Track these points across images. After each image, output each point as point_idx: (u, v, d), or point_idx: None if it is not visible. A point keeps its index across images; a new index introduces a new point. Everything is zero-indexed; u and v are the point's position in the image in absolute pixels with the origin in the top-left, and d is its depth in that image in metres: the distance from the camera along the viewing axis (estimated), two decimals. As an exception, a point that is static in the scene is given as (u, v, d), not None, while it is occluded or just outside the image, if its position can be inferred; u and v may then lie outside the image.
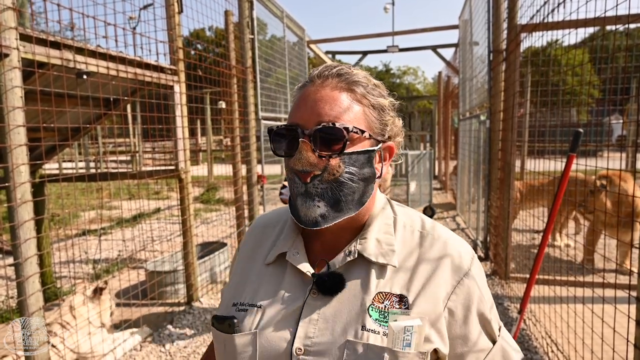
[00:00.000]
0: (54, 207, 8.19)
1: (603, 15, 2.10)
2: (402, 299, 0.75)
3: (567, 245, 5.30)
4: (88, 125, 3.89)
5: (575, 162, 2.27)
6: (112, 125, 4.88)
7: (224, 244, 4.62)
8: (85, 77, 2.57)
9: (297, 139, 0.75)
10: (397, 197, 8.10)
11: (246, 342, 0.76)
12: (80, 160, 13.76)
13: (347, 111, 0.75)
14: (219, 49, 4.21)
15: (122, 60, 2.78)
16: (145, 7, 3.55)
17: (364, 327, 0.72)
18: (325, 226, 0.76)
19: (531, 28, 3.30)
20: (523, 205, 5.23)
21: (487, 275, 4.41)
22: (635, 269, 4.00)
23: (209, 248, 4.53)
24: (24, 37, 2.08)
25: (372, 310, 0.74)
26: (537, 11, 3.06)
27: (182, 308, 3.72)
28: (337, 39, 8.67)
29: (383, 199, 0.88)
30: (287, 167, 0.80)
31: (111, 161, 13.07)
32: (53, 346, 2.60)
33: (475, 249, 5.24)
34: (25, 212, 2.01)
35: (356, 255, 0.79)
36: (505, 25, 4.03)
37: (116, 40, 2.83)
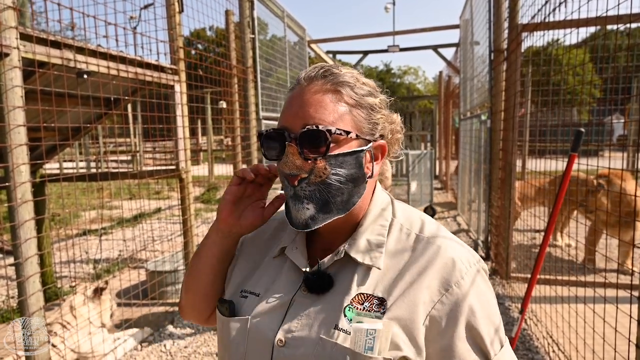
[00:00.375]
0: (55, 207, 8.20)
1: (604, 15, 2.09)
2: (382, 302, 0.74)
3: (568, 245, 5.29)
4: (89, 125, 3.89)
5: (577, 162, 2.26)
6: (113, 125, 4.88)
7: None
8: (85, 76, 2.57)
9: (285, 142, 0.76)
10: (397, 197, 8.09)
11: (238, 326, 0.80)
12: (81, 160, 13.77)
13: (332, 113, 0.75)
14: (220, 49, 4.21)
15: (123, 60, 2.78)
16: (145, 7, 3.54)
17: (336, 327, 0.73)
18: (315, 227, 0.77)
19: (532, 27, 3.29)
20: (525, 205, 5.22)
21: (488, 275, 4.39)
22: (636, 269, 3.99)
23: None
24: (25, 37, 2.08)
25: (348, 310, 0.74)
26: (539, 10, 3.06)
27: (182, 308, 3.72)
28: (337, 38, 8.68)
29: (386, 200, 0.87)
30: (278, 170, 0.81)
31: (112, 161, 13.08)
32: (54, 346, 2.60)
33: (476, 248, 5.23)
34: (26, 212, 2.01)
35: (342, 256, 0.79)
36: (506, 24, 4.02)
37: (117, 40, 2.83)
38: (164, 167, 7.90)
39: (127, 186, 10.12)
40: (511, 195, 4.00)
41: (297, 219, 0.77)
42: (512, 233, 4.10)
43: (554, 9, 2.76)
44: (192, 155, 3.22)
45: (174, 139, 3.45)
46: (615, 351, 1.95)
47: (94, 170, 11.07)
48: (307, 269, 0.81)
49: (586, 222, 4.44)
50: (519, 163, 5.16)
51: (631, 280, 1.72)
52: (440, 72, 13.05)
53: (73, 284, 4.20)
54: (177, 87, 3.35)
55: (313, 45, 8.13)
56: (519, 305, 3.50)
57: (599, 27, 3.43)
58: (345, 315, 0.73)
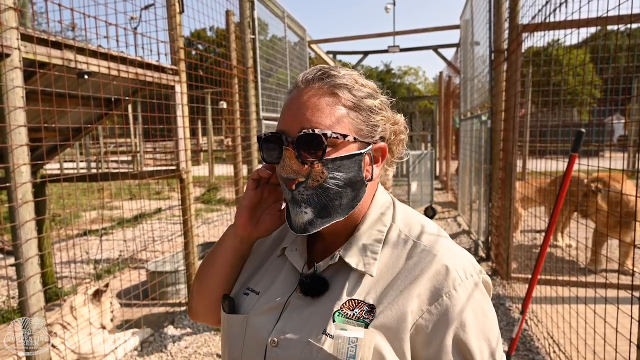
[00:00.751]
0: (55, 207, 8.20)
1: (605, 15, 2.09)
2: (372, 309, 0.73)
3: (569, 246, 5.29)
4: (89, 126, 3.89)
5: (578, 162, 2.26)
6: (113, 125, 4.88)
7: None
8: (86, 77, 2.57)
9: (282, 146, 0.76)
10: (398, 198, 8.09)
11: (238, 323, 0.82)
12: (82, 161, 13.78)
13: (329, 116, 0.74)
14: (220, 49, 4.21)
15: (123, 60, 2.78)
16: (146, 7, 3.54)
17: (324, 331, 0.72)
18: (314, 231, 0.76)
19: (533, 28, 3.29)
20: (525, 206, 5.22)
21: (488, 276, 4.39)
22: (637, 270, 3.99)
23: (210, 248, 4.52)
24: (25, 37, 2.08)
25: (337, 315, 0.73)
26: (539, 11, 3.06)
27: (183, 308, 3.72)
28: (338, 39, 8.67)
29: (387, 203, 0.85)
30: (277, 174, 0.80)
31: (112, 161, 13.08)
32: (54, 346, 2.60)
33: (476, 249, 5.23)
34: (27, 212, 2.01)
35: (336, 260, 0.78)
36: (506, 25, 4.02)
37: (117, 41, 2.83)
38: (164, 168, 7.91)
39: (127, 186, 10.12)
40: (512, 196, 4.00)
41: (296, 223, 0.77)
42: (512, 233, 4.10)
43: (555, 10, 2.76)
44: (192, 155, 3.21)
45: (175, 139, 3.45)
46: (616, 352, 1.95)
47: (94, 171, 11.08)
48: (304, 271, 0.81)
49: (587, 222, 4.44)
50: (519, 163, 5.16)
51: (632, 281, 1.72)
52: (441, 73, 13.05)
53: (76, 282, 4.20)
54: (177, 88, 3.35)
55: (313, 46, 8.13)
56: (520, 306, 3.50)
57: (599, 28, 3.43)
58: (334, 321, 0.73)
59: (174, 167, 3.56)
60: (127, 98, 3.72)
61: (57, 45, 2.28)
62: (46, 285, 3.61)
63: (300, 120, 0.74)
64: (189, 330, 3.38)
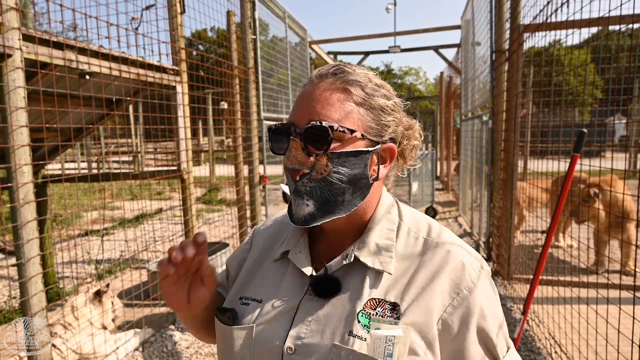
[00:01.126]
0: (57, 208, 8.21)
1: (607, 16, 2.09)
2: (395, 307, 0.73)
3: (570, 246, 5.28)
4: (91, 126, 3.90)
5: (580, 162, 2.26)
6: (115, 125, 4.88)
7: (226, 245, 4.62)
8: (87, 77, 2.57)
9: (290, 137, 0.76)
10: (399, 198, 8.08)
11: (243, 335, 0.78)
12: (83, 161, 13.79)
13: (338, 110, 0.75)
14: (221, 50, 4.21)
15: (125, 61, 2.78)
16: (147, 8, 3.55)
17: (350, 333, 0.71)
18: (313, 225, 0.76)
19: (534, 28, 3.29)
20: (530, 208, 5.23)
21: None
22: (639, 270, 3.99)
23: (211, 249, 4.53)
24: (27, 38, 2.09)
25: (361, 316, 0.73)
26: (540, 11, 3.06)
27: (184, 308, 3.71)
28: (339, 39, 8.67)
29: (390, 202, 0.86)
30: (283, 165, 0.81)
31: (113, 162, 13.10)
32: (55, 346, 2.60)
33: (477, 249, 5.22)
34: (28, 213, 2.01)
35: (352, 260, 0.78)
36: (507, 25, 4.02)
37: (119, 41, 2.83)
38: (165, 168, 7.91)
39: (128, 187, 10.13)
40: (513, 196, 3.99)
41: (297, 214, 0.77)
42: (514, 234, 4.10)
43: (556, 10, 2.75)
44: (193, 156, 3.20)
45: (176, 140, 3.46)
46: (618, 352, 1.94)
47: (95, 171, 11.09)
48: (313, 273, 0.80)
49: (587, 224, 4.44)
50: (520, 164, 5.16)
51: (634, 281, 1.71)
52: (442, 73, 13.04)
53: (77, 282, 4.21)
54: (178, 88, 3.36)
55: (314, 46, 8.13)
56: (521, 307, 3.49)
57: (600, 28, 3.43)
58: (359, 321, 0.72)
59: (175, 168, 3.56)
60: (128, 98, 3.73)
61: (58, 45, 2.29)
62: (48, 286, 3.61)
63: (310, 113, 0.75)
64: (190, 330, 3.38)
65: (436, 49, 9.45)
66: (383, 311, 0.73)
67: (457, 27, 7.70)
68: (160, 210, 8.42)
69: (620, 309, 1.92)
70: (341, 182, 0.75)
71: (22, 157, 1.99)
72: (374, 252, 0.78)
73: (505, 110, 4.15)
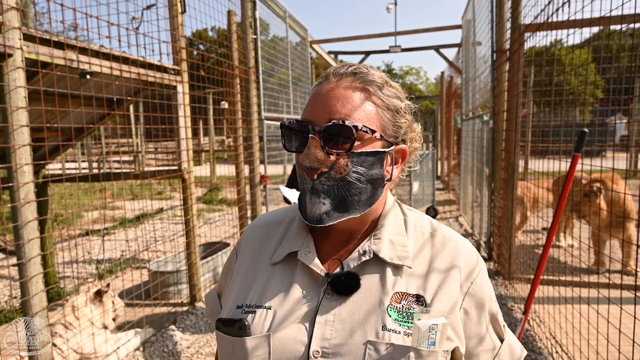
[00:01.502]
0: (57, 207, 8.21)
1: (608, 15, 2.09)
2: (419, 298, 0.75)
3: (571, 246, 5.28)
4: (91, 126, 3.90)
5: (581, 162, 2.25)
6: (115, 125, 4.89)
7: (227, 244, 4.62)
8: (88, 77, 2.57)
9: (308, 135, 0.75)
10: (399, 197, 8.09)
11: (258, 345, 0.74)
12: (83, 161, 13.80)
13: (359, 110, 0.75)
14: (222, 49, 4.21)
15: (125, 61, 2.78)
16: (148, 7, 3.55)
17: (384, 327, 0.72)
18: (329, 224, 0.75)
19: (535, 28, 3.28)
20: (535, 209, 5.22)
21: (490, 276, 4.40)
22: None
23: (212, 248, 4.53)
24: (28, 37, 2.09)
25: (390, 310, 0.73)
26: (541, 11, 3.05)
27: (185, 308, 3.72)
28: (339, 39, 8.66)
29: (392, 200, 0.87)
30: (297, 163, 0.80)
31: (114, 161, 13.11)
32: (56, 346, 2.60)
33: (478, 249, 5.22)
34: (29, 212, 2.01)
35: (372, 255, 0.78)
36: (508, 25, 4.01)
37: (119, 41, 2.83)
38: (166, 168, 7.92)
39: (129, 186, 10.14)
40: (514, 196, 3.99)
41: (312, 213, 0.76)
42: (514, 234, 4.09)
43: (557, 9, 2.75)
44: (194, 155, 3.20)
45: (176, 140, 3.46)
46: (619, 352, 1.94)
47: (96, 171, 11.10)
48: (326, 272, 0.78)
49: (588, 222, 4.43)
50: (521, 163, 5.16)
51: (635, 281, 1.71)
52: (442, 73, 13.03)
53: (78, 282, 4.21)
54: (179, 88, 3.36)
55: (315, 46, 8.13)
56: (522, 306, 3.49)
57: (601, 28, 3.42)
58: (389, 316, 0.73)
59: (175, 167, 3.56)
60: (129, 98, 3.73)
61: (59, 45, 2.29)
62: (48, 285, 3.62)
63: (330, 111, 0.74)
64: (191, 330, 3.38)
65: (437, 48, 9.45)
66: (408, 304, 0.74)
67: (458, 26, 7.69)
68: (161, 210, 8.42)
69: (621, 308, 1.91)
70: (359, 182, 0.75)
71: (23, 156, 1.99)
72: (390, 248, 0.79)
73: (506, 110, 4.15)
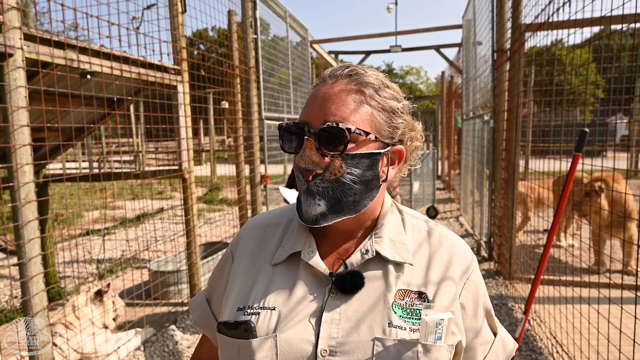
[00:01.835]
0: (58, 207, 8.22)
1: (609, 15, 2.08)
2: (421, 295, 0.77)
3: (571, 246, 5.28)
4: (92, 125, 3.90)
5: (581, 162, 2.25)
6: (116, 125, 4.89)
7: (227, 244, 4.62)
8: (89, 76, 2.57)
9: (304, 136, 0.76)
10: (400, 197, 8.09)
11: (265, 346, 0.74)
12: (84, 160, 13.80)
13: (353, 112, 0.75)
14: (222, 49, 4.21)
15: (126, 60, 2.78)
16: (148, 7, 3.55)
17: (390, 324, 0.73)
18: (325, 224, 0.77)
19: (535, 27, 3.28)
20: (537, 210, 5.22)
21: (491, 276, 4.40)
22: (640, 270, 3.99)
23: (212, 248, 4.53)
24: (28, 37, 2.09)
25: (395, 307, 0.75)
26: (542, 10, 3.05)
27: (185, 308, 3.72)
28: (340, 38, 8.66)
29: (389, 201, 0.89)
30: (294, 164, 0.81)
31: (114, 161, 13.11)
32: (56, 346, 2.60)
33: (479, 249, 5.22)
34: (29, 212, 2.01)
35: (374, 254, 0.79)
36: (509, 24, 4.01)
37: (120, 40, 2.83)
38: (166, 168, 7.92)
39: (129, 186, 10.14)
40: (514, 196, 3.99)
41: (308, 214, 0.77)
42: (515, 233, 4.09)
43: (558, 9, 2.75)
44: (194, 155, 3.19)
45: (177, 139, 3.46)
46: (619, 352, 1.94)
47: (96, 171, 11.10)
48: (330, 271, 0.79)
49: (589, 222, 4.43)
50: (521, 163, 5.15)
51: (636, 281, 1.71)
52: (443, 72, 13.03)
53: (79, 282, 4.21)
54: (179, 88, 3.36)
55: (315, 46, 8.13)
56: (523, 306, 3.49)
57: (602, 27, 3.42)
58: (395, 312, 0.74)
59: (176, 167, 3.56)
60: (129, 98, 3.73)
61: (59, 45, 2.29)
62: (49, 285, 3.62)
63: (325, 113, 0.75)
64: (191, 330, 3.38)
65: (437, 48, 9.44)
66: (411, 300, 0.76)
67: (459, 26, 7.69)
68: (161, 210, 8.43)
69: (622, 308, 1.91)
70: (354, 183, 0.76)
71: (24, 156, 1.99)
72: (391, 246, 0.81)
73: (506, 110, 4.15)
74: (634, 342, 1.78)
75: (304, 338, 0.73)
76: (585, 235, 5.85)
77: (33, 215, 2.02)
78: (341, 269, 0.79)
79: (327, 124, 0.74)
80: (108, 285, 3.08)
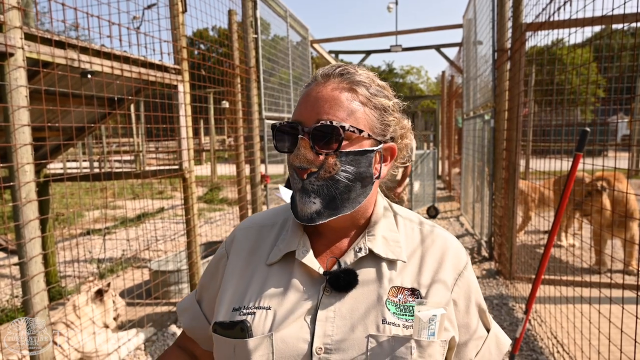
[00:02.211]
0: (59, 207, 8.22)
1: (610, 14, 2.08)
2: (414, 292, 0.78)
3: (572, 245, 5.27)
4: (92, 125, 3.90)
5: (582, 162, 2.25)
6: (116, 124, 4.89)
7: (228, 244, 4.62)
8: (89, 76, 2.57)
9: (298, 135, 0.76)
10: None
11: (261, 345, 0.74)
12: (85, 160, 13.80)
13: (346, 110, 0.76)
14: (223, 49, 4.21)
15: (126, 60, 2.78)
16: (149, 7, 3.55)
17: (384, 321, 0.74)
18: (320, 222, 0.77)
19: (536, 27, 3.28)
20: (538, 210, 5.22)
21: (491, 275, 4.39)
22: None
23: (213, 248, 4.53)
24: (29, 37, 2.08)
25: (389, 304, 0.76)
26: (543, 10, 3.05)
27: (186, 307, 3.72)
28: (340, 38, 8.66)
29: (382, 199, 0.90)
30: (287, 163, 0.82)
31: (115, 161, 13.12)
32: (57, 345, 2.60)
33: (479, 248, 5.22)
34: (30, 212, 2.01)
35: (367, 252, 0.80)
36: (509, 24, 4.01)
37: (120, 40, 2.83)
38: (167, 167, 7.92)
39: (130, 186, 10.14)
40: (515, 195, 3.99)
41: (303, 212, 0.78)
42: (516, 233, 4.09)
43: (559, 8, 2.74)
44: (195, 155, 3.19)
45: (177, 139, 3.46)
46: (621, 352, 1.94)
47: (97, 170, 11.10)
48: (324, 270, 0.79)
49: (590, 222, 4.43)
50: (522, 163, 5.15)
51: (637, 281, 1.71)
52: (443, 72, 13.02)
53: (79, 281, 4.22)
54: (180, 87, 3.35)
55: (315, 45, 8.12)
56: (523, 306, 3.49)
57: (603, 27, 3.41)
58: (388, 309, 0.75)
59: (176, 167, 3.56)
60: (130, 97, 3.73)
61: (60, 44, 2.29)
62: (50, 284, 3.62)
63: (318, 112, 0.76)
64: (191, 329, 3.38)
65: (438, 48, 9.44)
66: (405, 297, 0.77)
67: (459, 26, 7.68)
68: (161, 210, 8.43)
69: (623, 308, 1.91)
70: (348, 180, 0.77)
71: (24, 156, 1.99)
72: (384, 244, 0.82)
73: (507, 110, 4.15)
74: (635, 342, 1.78)
75: (299, 337, 0.74)
76: (586, 235, 5.84)
77: (34, 215, 2.02)
78: (335, 267, 0.80)
79: (320, 122, 0.75)
80: (108, 284, 3.08)
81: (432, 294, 0.78)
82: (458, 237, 6.02)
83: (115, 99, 3.62)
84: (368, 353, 0.72)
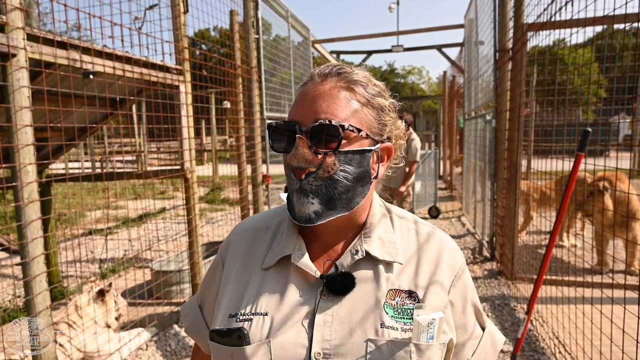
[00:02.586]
0: (61, 207, 8.24)
1: (611, 14, 2.08)
2: (411, 294, 0.77)
3: (574, 246, 5.26)
4: (94, 125, 3.91)
5: (584, 162, 2.25)
6: (118, 125, 4.90)
7: (229, 244, 4.62)
8: (91, 77, 2.58)
9: (295, 135, 0.75)
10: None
11: (259, 352, 0.73)
12: (86, 160, 13.83)
13: (345, 109, 0.75)
14: (224, 49, 4.22)
15: (128, 60, 2.78)
16: (151, 7, 3.56)
17: (383, 325, 0.73)
18: (318, 223, 0.76)
19: (538, 27, 3.27)
20: (539, 210, 5.21)
21: (493, 276, 4.39)
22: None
23: (214, 248, 4.53)
24: (31, 37, 2.09)
25: (387, 307, 0.75)
26: (544, 10, 3.04)
27: (187, 307, 3.72)
28: (341, 38, 8.66)
29: (378, 200, 0.89)
30: (284, 163, 0.80)
31: (117, 161, 13.14)
32: (59, 344, 2.61)
33: (481, 249, 5.21)
34: (32, 212, 2.02)
35: (364, 254, 0.79)
36: (511, 24, 4.01)
37: (122, 40, 2.84)
38: (168, 167, 7.93)
39: (132, 186, 10.16)
40: (516, 195, 3.98)
41: (301, 212, 0.76)
42: (517, 233, 4.09)
43: (560, 8, 2.74)
44: (196, 155, 3.20)
45: (179, 139, 3.46)
46: (623, 352, 1.94)
47: (99, 170, 11.12)
48: (321, 274, 0.78)
49: (593, 222, 4.42)
50: (524, 163, 5.14)
51: (639, 281, 1.71)
52: (445, 72, 13.01)
53: (81, 281, 4.22)
54: (182, 88, 3.36)
55: (317, 45, 8.13)
56: (525, 306, 3.48)
57: (605, 26, 3.41)
58: (386, 313, 0.74)
59: (178, 167, 3.57)
60: (132, 98, 3.73)
61: (62, 45, 2.29)
62: (52, 285, 3.62)
63: (317, 111, 0.75)
64: (193, 329, 3.39)
65: (439, 48, 9.44)
66: (402, 300, 0.76)
67: (461, 26, 7.68)
68: (163, 210, 8.44)
69: (624, 308, 1.91)
70: (347, 180, 0.76)
71: (27, 156, 1.99)
72: (381, 246, 0.80)
73: (508, 110, 4.14)
74: (637, 342, 1.78)
75: (297, 342, 0.73)
76: (588, 235, 5.83)
77: (36, 215, 2.03)
78: (332, 270, 0.78)
79: (319, 121, 0.73)
80: (110, 284, 3.09)
81: (430, 296, 0.77)
82: (459, 237, 6.02)
83: (117, 99, 3.63)
84: (367, 357, 0.71)
